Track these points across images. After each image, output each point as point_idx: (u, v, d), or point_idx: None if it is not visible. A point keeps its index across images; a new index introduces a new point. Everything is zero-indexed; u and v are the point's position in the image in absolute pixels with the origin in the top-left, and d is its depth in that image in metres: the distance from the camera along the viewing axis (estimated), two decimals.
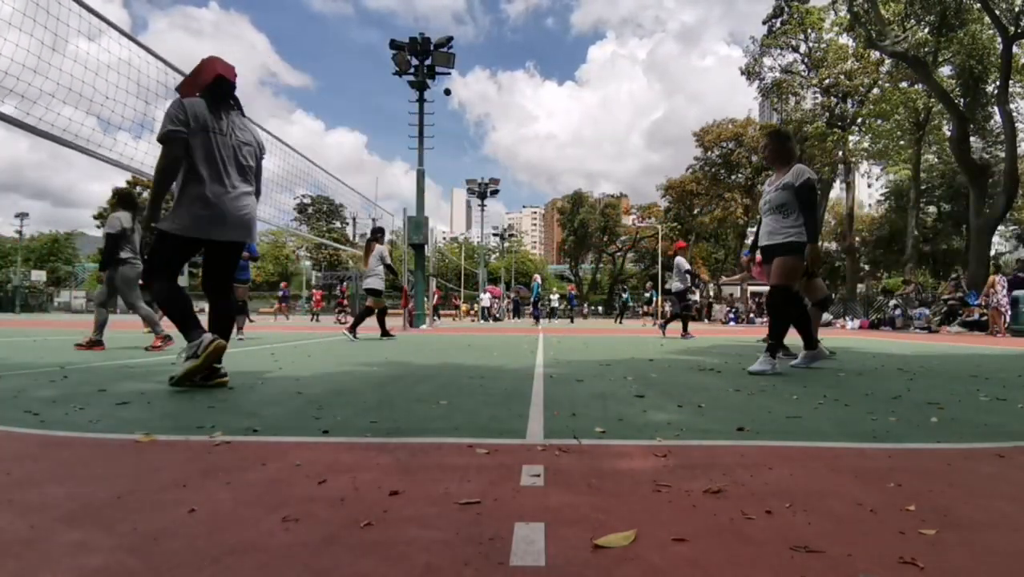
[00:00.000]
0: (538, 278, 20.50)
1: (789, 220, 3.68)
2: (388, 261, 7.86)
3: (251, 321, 18.07)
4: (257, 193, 3.12)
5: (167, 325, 3.72)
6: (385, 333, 7.82)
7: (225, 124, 2.83)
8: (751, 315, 24.24)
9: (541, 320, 21.62)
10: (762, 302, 28.68)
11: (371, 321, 8.38)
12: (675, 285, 9.34)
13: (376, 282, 7.89)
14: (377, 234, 8.31)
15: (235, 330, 7.13)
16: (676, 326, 9.49)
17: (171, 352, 4.88)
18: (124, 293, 5.43)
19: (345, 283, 21.70)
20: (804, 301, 4.21)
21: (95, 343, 5.22)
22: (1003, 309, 12.15)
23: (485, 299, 25.77)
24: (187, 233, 2.76)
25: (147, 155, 5.60)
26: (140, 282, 5.38)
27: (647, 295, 22.11)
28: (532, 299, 20.94)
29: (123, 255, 5.32)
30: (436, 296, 19.92)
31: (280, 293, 23.95)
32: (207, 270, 2.97)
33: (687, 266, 9.41)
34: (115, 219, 5.31)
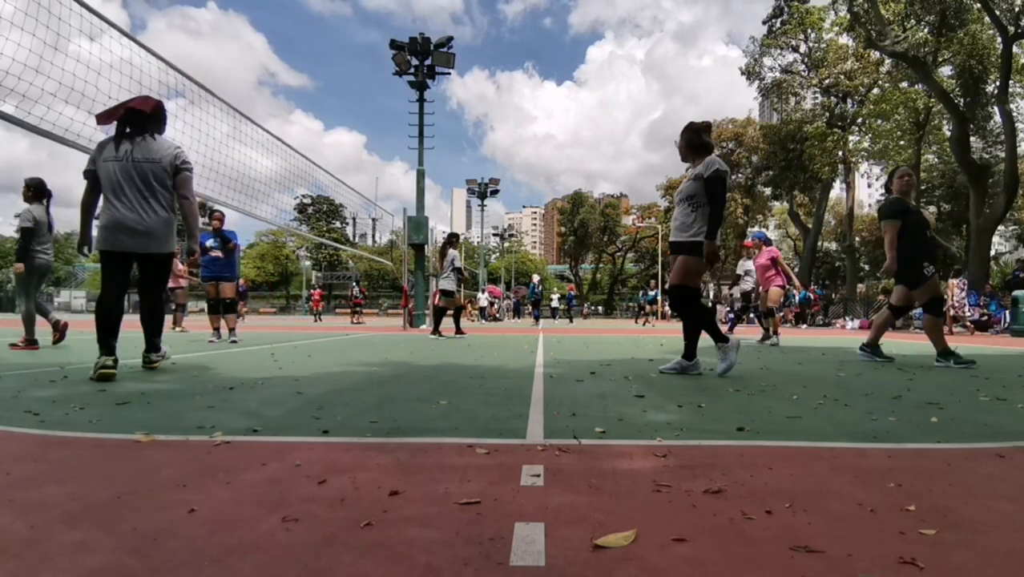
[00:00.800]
0: (536, 278, 20.43)
1: (696, 215, 3.54)
2: (458, 264, 8.41)
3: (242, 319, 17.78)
4: (186, 194, 3.50)
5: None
6: (459, 331, 8.40)
7: (122, 151, 3.30)
8: (750, 315, 24.21)
9: (542, 320, 21.58)
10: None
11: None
12: (747, 284, 8.93)
13: (449, 284, 8.40)
14: (452, 239, 8.88)
15: (226, 331, 6.77)
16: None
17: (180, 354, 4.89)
18: (20, 285, 5.35)
19: (360, 284, 21.43)
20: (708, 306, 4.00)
21: (56, 336, 5.23)
22: (955, 311, 13.24)
23: (482, 299, 25.68)
24: (100, 247, 3.30)
25: None
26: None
27: (652, 294, 21.92)
28: (530, 299, 20.82)
29: (34, 247, 5.22)
30: (436, 296, 19.81)
31: (239, 290, 23.58)
32: (138, 277, 3.50)
33: (750, 265, 9.17)
34: (28, 212, 5.20)
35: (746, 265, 9.09)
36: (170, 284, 9.69)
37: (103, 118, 3.40)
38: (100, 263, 3.31)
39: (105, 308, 3.23)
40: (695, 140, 3.66)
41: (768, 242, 8.17)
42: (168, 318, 11.18)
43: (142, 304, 3.55)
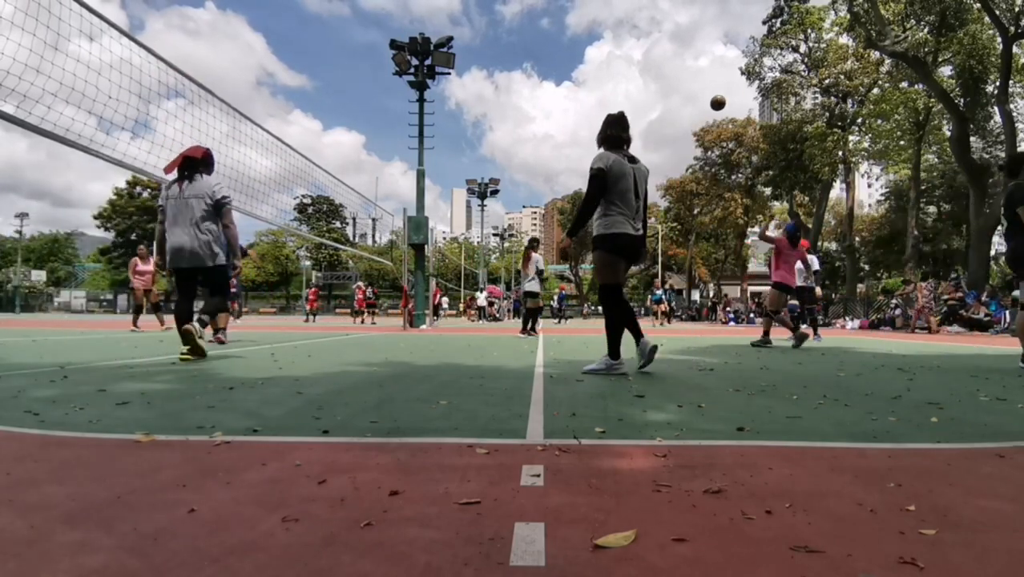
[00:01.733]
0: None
1: (598, 212, 3.50)
2: (541, 268, 9.22)
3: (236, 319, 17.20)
4: (226, 223, 4.38)
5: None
6: (533, 330, 8.98)
7: (177, 189, 4.22)
8: (751, 315, 24.25)
9: (541, 321, 21.38)
10: (761, 302, 28.72)
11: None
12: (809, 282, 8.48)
13: (534, 286, 9.10)
14: (534, 243, 9.65)
15: (210, 331, 5.99)
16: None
17: (170, 354, 4.88)
18: None
19: (370, 285, 21.12)
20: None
21: None
22: (925, 311, 14.21)
23: (481, 298, 25.57)
24: (168, 266, 4.29)
25: (149, 154, 5.61)
26: None
27: (659, 293, 21.47)
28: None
29: None
30: (435, 295, 19.55)
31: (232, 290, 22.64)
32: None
33: (817, 265, 8.63)
34: None
35: (812, 263, 8.55)
36: (133, 283, 9.85)
37: (169, 168, 4.31)
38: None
39: (178, 314, 4.21)
40: (603, 133, 3.59)
41: (795, 236, 7.18)
42: (150, 319, 11.11)
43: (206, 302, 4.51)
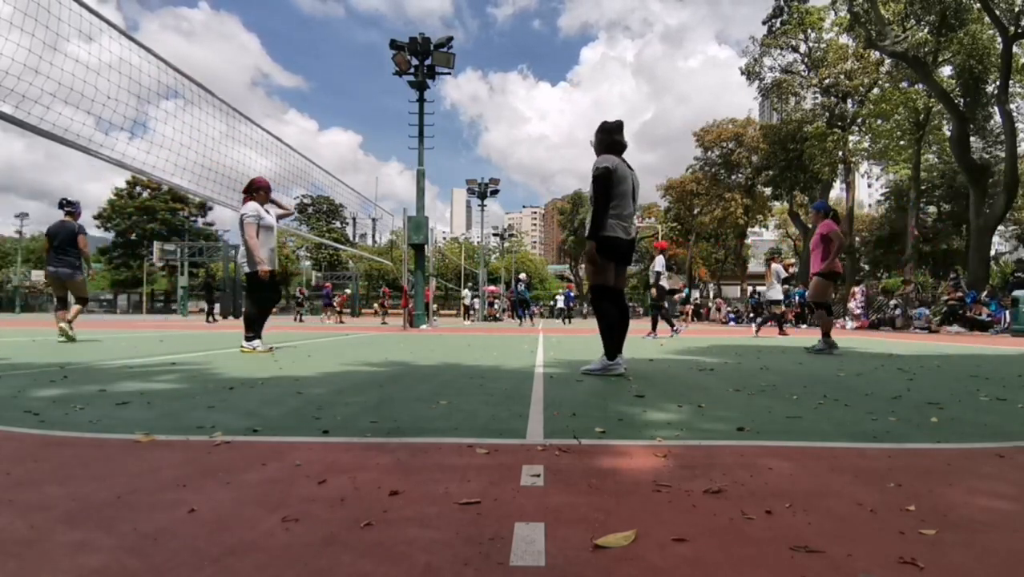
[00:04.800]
0: (524, 277, 19.30)
1: (590, 215, 3.56)
2: (783, 275, 10.41)
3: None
4: (244, 237, 5.10)
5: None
6: (782, 331, 10.19)
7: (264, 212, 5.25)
8: (751, 315, 24.22)
9: (541, 321, 21.14)
10: (761, 302, 28.66)
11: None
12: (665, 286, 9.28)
13: (776, 294, 10.46)
14: (775, 256, 11.38)
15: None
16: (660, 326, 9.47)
17: (161, 354, 4.88)
18: None
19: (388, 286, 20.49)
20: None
21: None
22: (858, 313, 15.73)
23: (466, 296, 25.33)
24: None
25: (147, 154, 5.61)
26: None
27: (685, 292, 20.77)
28: (514, 299, 19.41)
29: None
30: (428, 295, 18.45)
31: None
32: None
33: (659, 267, 9.32)
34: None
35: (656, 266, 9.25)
36: None
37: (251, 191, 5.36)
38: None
39: (246, 312, 5.39)
40: (607, 139, 3.65)
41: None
42: None
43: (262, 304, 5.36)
